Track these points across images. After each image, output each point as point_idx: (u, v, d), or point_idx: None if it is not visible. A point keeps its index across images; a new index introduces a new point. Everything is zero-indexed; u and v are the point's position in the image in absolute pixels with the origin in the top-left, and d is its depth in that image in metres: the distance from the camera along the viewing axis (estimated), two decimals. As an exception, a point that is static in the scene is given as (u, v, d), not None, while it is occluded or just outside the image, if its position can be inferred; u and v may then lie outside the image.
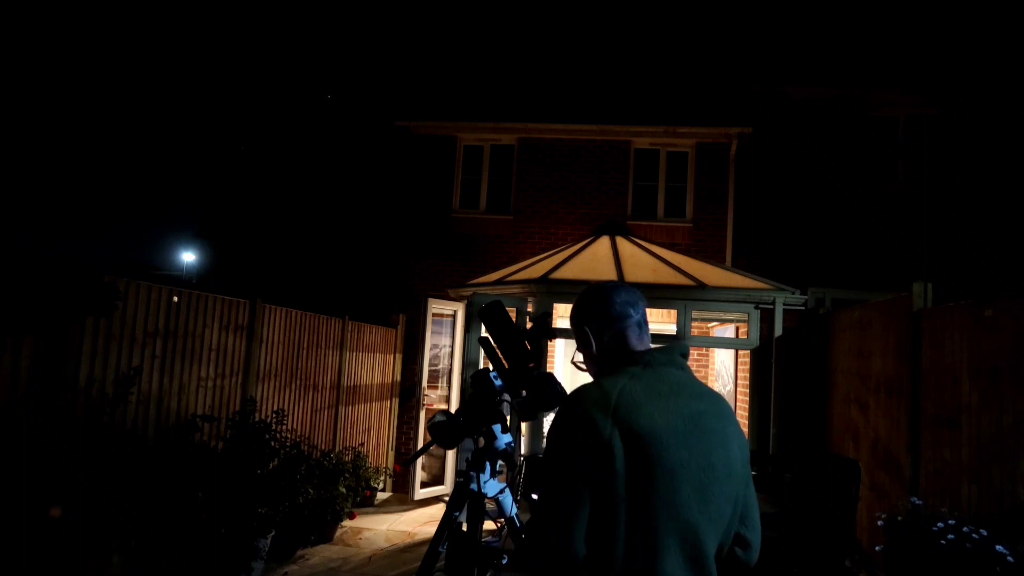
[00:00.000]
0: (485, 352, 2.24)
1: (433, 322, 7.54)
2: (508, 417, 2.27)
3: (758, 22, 9.11)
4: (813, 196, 7.70)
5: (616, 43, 9.57)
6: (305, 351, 6.09)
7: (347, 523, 5.79)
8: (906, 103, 7.76)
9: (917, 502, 3.44)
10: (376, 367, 7.72)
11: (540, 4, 10.31)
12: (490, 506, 2.19)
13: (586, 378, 1.47)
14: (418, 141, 8.64)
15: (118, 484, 3.39)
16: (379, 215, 9.84)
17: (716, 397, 1.40)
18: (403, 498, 7.26)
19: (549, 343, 7.15)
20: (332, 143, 12.58)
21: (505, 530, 2.24)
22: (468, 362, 6.32)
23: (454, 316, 7.83)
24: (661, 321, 7.71)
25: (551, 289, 5.75)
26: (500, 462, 2.23)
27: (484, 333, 2.61)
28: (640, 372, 1.36)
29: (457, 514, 2.15)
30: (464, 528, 2.15)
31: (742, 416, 6.23)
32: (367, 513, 6.49)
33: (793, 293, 5.86)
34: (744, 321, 6.39)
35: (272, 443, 4.70)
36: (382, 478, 7.42)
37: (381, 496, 7.35)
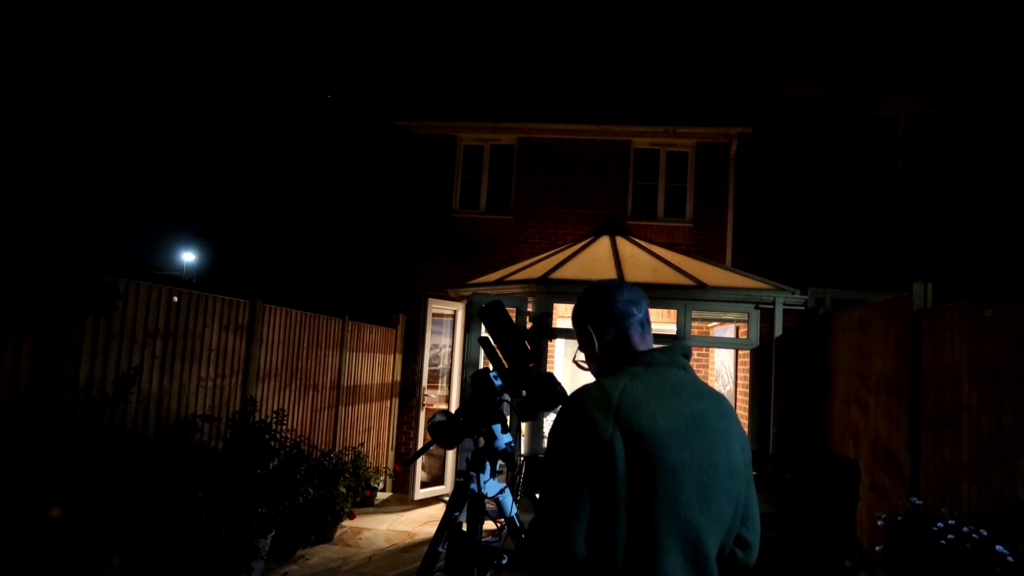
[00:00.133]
0: (485, 352, 2.24)
1: (433, 322, 7.54)
2: (508, 417, 2.26)
3: (758, 22, 9.11)
4: (813, 196, 7.70)
5: (616, 43, 9.57)
6: (305, 351, 6.09)
7: (347, 523, 5.79)
8: (906, 103, 7.76)
9: (917, 502, 3.44)
10: (376, 367, 7.71)
11: (540, 4, 10.31)
12: (490, 506, 2.19)
13: (587, 377, 1.46)
14: (418, 141, 8.64)
15: (118, 484, 3.39)
16: (379, 215, 9.84)
17: (718, 397, 1.39)
18: (403, 498, 7.26)
19: (549, 343, 7.15)
20: (332, 143, 12.58)
21: (505, 530, 2.24)
22: (468, 362, 6.32)
23: (454, 316, 7.83)
24: (661, 321, 7.72)
25: (551, 289, 5.75)
26: (500, 462, 2.23)
27: (484, 333, 2.61)
28: (642, 372, 1.35)
29: (457, 514, 2.15)
30: (464, 528, 2.15)
31: (742, 416, 6.23)
32: (367, 513, 6.49)
33: (793, 293, 5.86)
34: (744, 321, 6.39)
35: (272, 443, 4.70)
36: (382, 478, 7.42)
37: (381, 496, 7.34)
